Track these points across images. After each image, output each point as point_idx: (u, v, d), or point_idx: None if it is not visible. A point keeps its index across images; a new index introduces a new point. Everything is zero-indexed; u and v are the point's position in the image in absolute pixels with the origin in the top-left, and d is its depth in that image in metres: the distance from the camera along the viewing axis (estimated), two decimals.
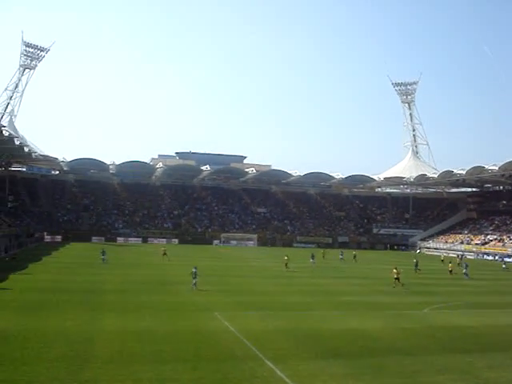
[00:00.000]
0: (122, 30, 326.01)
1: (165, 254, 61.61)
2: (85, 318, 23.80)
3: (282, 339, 21.40)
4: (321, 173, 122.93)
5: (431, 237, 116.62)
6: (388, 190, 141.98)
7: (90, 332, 21.06)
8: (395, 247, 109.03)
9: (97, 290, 33.35)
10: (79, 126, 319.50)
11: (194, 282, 35.17)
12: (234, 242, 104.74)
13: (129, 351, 18.35)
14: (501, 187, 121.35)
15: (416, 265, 55.85)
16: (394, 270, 41.20)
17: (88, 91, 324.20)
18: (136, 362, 16.98)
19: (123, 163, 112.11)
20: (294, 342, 20.94)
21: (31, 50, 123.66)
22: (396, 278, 40.70)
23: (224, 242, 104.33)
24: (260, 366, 17.17)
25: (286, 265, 53.54)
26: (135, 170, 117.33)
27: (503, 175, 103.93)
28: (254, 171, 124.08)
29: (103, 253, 53.98)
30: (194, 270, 35.65)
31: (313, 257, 59.84)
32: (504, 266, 69.14)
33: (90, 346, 18.82)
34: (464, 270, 52.91)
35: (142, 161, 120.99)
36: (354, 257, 64.97)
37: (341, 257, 71.49)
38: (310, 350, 19.66)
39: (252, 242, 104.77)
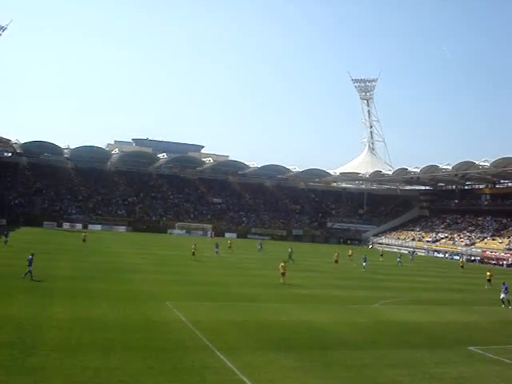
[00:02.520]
0: (80, 10, 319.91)
1: (84, 240, 58.75)
2: (34, 305, 23.33)
3: (233, 330, 21.43)
4: (278, 165, 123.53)
5: (384, 232, 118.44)
6: (343, 185, 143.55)
7: (39, 319, 20.64)
8: (348, 242, 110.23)
9: (47, 276, 32.68)
10: (34, 108, 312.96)
11: (28, 269, 30.56)
12: (188, 232, 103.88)
13: (77, 339, 18.06)
14: (453, 186, 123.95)
15: (290, 255, 56.10)
16: (282, 264, 38.19)
17: (46, 73, 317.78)
18: (84, 350, 16.73)
19: (78, 147, 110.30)
20: (245, 334, 20.99)
21: None
22: (283, 273, 37.57)
23: (178, 231, 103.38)
24: (211, 357, 17.13)
25: (194, 254, 50.90)
26: (90, 155, 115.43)
27: (456, 175, 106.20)
28: (212, 161, 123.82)
29: (6, 235, 53.40)
30: (29, 257, 30.91)
31: (217, 246, 58.62)
32: (411, 257, 78.24)
33: (38, 333, 18.46)
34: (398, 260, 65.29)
35: (98, 146, 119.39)
36: (290, 255, 56.73)
37: (259, 247, 70.63)
38: (261, 342, 19.73)
39: (206, 232, 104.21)
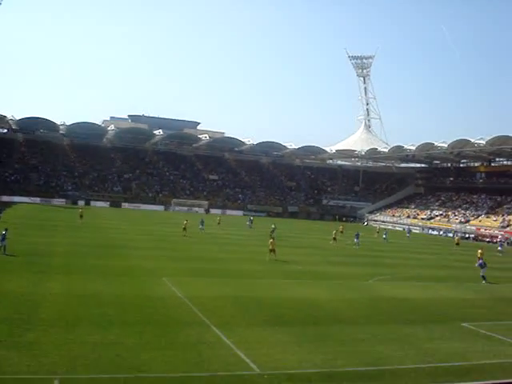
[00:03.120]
0: None
1: (81, 216, 57.76)
2: (30, 280, 23.46)
3: (229, 306, 21.61)
4: (274, 142, 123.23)
5: (379, 210, 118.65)
6: (339, 163, 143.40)
7: (35, 294, 20.76)
8: (344, 219, 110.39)
9: (44, 252, 32.82)
10: (30, 83, 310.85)
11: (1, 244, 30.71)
12: (184, 208, 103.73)
13: (74, 314, 18.21)
14: (449, 164, 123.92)
15: (272, 231, 56.19)
16: (271, 241, 38.05)
17: (41, 48, 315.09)
18: (81, 326, 16.87)
19: (74, 124, 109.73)
20: (240, 309, 21.17)
21: None
22: (271, 250, 37.07)
23: (174, 207, 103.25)
24: (206, 332, 17.31)
25: (185, 229, 50.91)
26: (86, 132, 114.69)
27: (451, 153, 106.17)
28: (208, 138, 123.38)
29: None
30: (3, 233, 31.17)
31: (202, 223, 57.60)
32: (407, 235, 78.09)
33: (34, 309, 18.58)
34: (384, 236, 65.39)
35: (94, 122, 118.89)
36: (272, 231, 56.28)
37: (248, 223, 70.86)
38: (256, 317, 19.91)
39: (203, 209, 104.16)
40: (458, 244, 63.89)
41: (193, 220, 59.13)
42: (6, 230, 32.03)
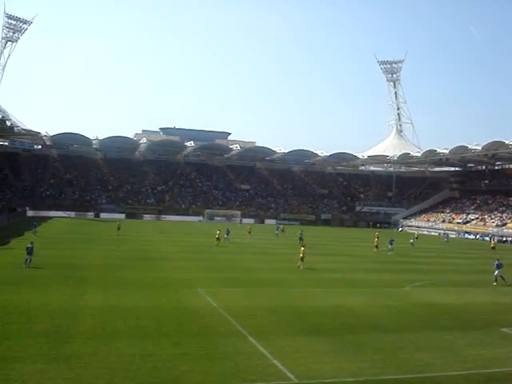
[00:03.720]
0: (107, 2, 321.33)
1: (119, 228, 59.63)
2: (68, 294, 23.76)
3: (265, 316, 21.56)
4: (305, 150, 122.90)
5: (413, 215, 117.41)
6: (372, 169, 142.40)
7: (73, 307, 21.04)
8: (378, 225, 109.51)
9: (80, 265, 33.25)
10: (63, 100, 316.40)
11: (27, 258, 31.42)
12: (217, 219, 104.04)
13: (111, 327, 18.39)
14: (483, 167, 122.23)
15: (300, 238, 56.76)
16: (302, 249, 38.35)
17: (72, 65, 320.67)
18: (119, 338, 17.04)
19: (107, 138, 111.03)
20: (276, 319, 21.11)
21: (13, 22, 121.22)
22: (302, 258, 37.39)
23: (208, 218, 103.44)
24: (243, 342, 17.30)
25: (218, 239, 51.74)
26: (119, 145, 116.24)
27: (486, 155, 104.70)
28: (239, 148, 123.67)
29: (34, 226, 55.01)
30: (29, 246, 31.90)
31: (228, 233, 57.13)
32: (446, 239, 78.12)
33: (72, 322, 18.82)
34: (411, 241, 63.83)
35: (126, 136, 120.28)
36: (300, 238, 56.77)
37: (277, 232, 70.56)
38: (292, 327, 19.84)
39: (236, 219, 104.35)
40: (494, 248, 62.65)
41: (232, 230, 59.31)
42: (32, 243, 32.68)
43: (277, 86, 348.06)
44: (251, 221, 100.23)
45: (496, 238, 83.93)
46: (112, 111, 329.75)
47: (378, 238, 58.68)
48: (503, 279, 33.59)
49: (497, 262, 34.51)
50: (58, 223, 74.50)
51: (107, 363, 14.47)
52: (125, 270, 32.30)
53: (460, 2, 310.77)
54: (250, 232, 67.67)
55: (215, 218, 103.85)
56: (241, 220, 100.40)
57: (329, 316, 22.07)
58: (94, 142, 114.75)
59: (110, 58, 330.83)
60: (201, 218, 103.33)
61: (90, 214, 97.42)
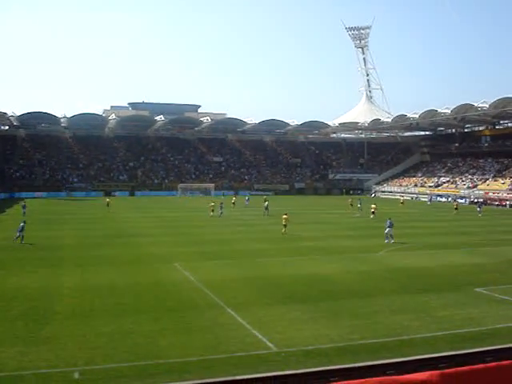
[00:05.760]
0: None
1: (108, 205, 61.69)
2: (44, 275, 23.61)
3: (243, 287, 21.68)
4: (276, 120, 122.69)
5: (386, 181, 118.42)
6: (343, 136, 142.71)
7: (50, 288, 20.91)
8: (351, 192, 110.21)
9: (54, 245, 33.01)
10: (29, 79, 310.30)
11: (18, 235, 33.52)
12: (195, 192, 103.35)
13: (89, 306, 18.34)
14: (453, 130, 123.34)
15: (266, 208, 56.93)
16: (284, 216, 39.78)
17: (35, 42, 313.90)
18: (97, 316, 17.00)
19: (75, 116, 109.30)
20: (253, 289, 21.24)
21: None
22: (285, 225, 39.33)
23: (182, 192, 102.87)
24: (221, 314, 17.40)
25: (213, 211, 54.31)
26: (88, 123, 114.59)
27: (455, 118, 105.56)
28: (209, 120, 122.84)
29: (23, 207, 54.91)
30: (21, 225, 33.93)
31: (221, 207, 56.22)
32: (429, 203, 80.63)
33: (50, 303, 18.72)
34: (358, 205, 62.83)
35: (95, 113, 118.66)
36: (266, 208, 57.08)
37: (246, 203, 72.03)
38: (270, 297, 19.97)
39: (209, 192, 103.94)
40: (456, 209, 63.66)
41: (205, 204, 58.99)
42: (25, 222, 34.86)
43: (245, 55, 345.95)
44: (225, 193, 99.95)
45: (457, 200, 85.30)
46: (79, 88, 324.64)
47: (351, 204, 64.76)
48: (391, 237, 35.46)
49: (389, 221, 36.14)
50: (31, 204, 73.52)
51: (86, 342, 14.45)
52: (101, 248, 32.13)
53: None
54: (233, 203, 68.07)
55: (190, 192, 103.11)
56: (223, 192, 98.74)
57: (305, 284, 22.27)
58: (62, 120, 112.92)
59: (75, 33, 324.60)
60: (176, 192, 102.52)
61: (62, 194, 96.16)
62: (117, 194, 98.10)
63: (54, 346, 14.09)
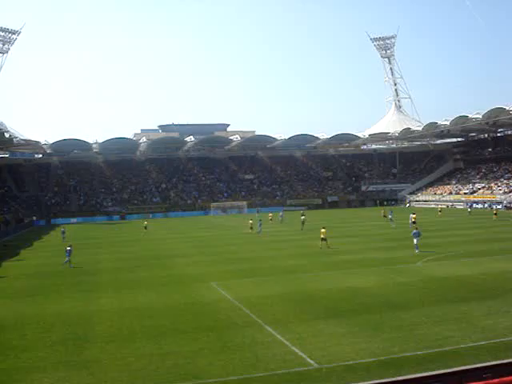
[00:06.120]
0: (98, 3, 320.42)
1: (146, 228, 62.06)
2: (81, 300, 23.81)
3: (280, 303, 21.54)
4: (305, 134, 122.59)
5: (419, 190, 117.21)
6: (374, 147, 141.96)
7: (88, 313, 21.09)
8: (385, 203, 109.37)
9: (91, 270, 33.31)
10: (59, 107, 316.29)
11: (67, 259, 34.97)
12: (222, 211, 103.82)
13: (128, 328, 18.42)
14: (485, 135, 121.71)
15: (303, 223, 57.83)
16: (322, 230, 39.87)
17: (64, 71, 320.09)
18: (136, 339, 17.06)
19: (106, 141, 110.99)
20: (291, 306, 21.08)
21: (2, 33, 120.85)
22: (323, 239, 39.50)
23: (215, 211, 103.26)
24: (260, 332, 17.30)
25: (251, 228, 55.25)
26: (119, 147, 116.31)
27: (487, 123, 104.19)
28: (239, 138, 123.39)
29: (63, 232, 55.94)
30: (68, 249, 35.28)
31: (260, 224, 55.45)
32: (469, 210, 77.94)
33: (89, 327, 18.86)
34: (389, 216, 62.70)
35: (125, 137, 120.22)
36: (303, 223, 57.99)
37: (280, 218, 73.22)
38: (308, 312, 19.81)
39: (243, 210, 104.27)
40: (496, 214, 63.26)
41: (239, 222, 58.92)
42: (71, 245, 36.21)
43: (272, 71, 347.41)
44: (259, 210, 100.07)
45: (493, 205, 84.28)
46: (109, 113, 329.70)
47: (384, 215, 67.62)
48: (416, 248, 35.61)
49: (415, 231, 36.47)
50: (67, 230, 74.55)
51: (127, 365, 14.49)
52: (136, 270, 32.33)
53: None
54: (271, 219, 69.38)
55: (226, 211, 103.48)
56: (258, 209, 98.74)
57: (343, 298, 22.05)
58: (93, 145, 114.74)
59: (104, 60, 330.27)
60: (216, 211, 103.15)
61: (101, 218, 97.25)
62: (150, 216, 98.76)
63: (95, 370, 14.16)
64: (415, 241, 35.87)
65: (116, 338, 17.32)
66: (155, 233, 61.41)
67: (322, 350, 15.11)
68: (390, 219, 61.46)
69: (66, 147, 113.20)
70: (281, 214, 76.09)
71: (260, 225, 55.44)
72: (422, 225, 55.72)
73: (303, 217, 59.04)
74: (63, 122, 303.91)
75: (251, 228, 54.98)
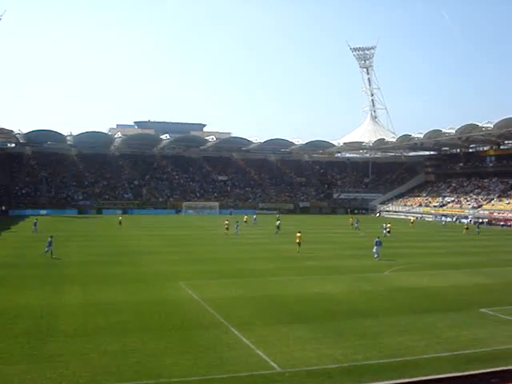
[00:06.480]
0: None
1: (120, 223, 63.74)
2: (47, 292, 23.54)
3: (247, 306, 21.59)
4: (281, 139, 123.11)
5: (390, 200, 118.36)
6: (348, 155, 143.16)
7: (54, 306, 20.86)
8: (356, 211, 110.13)
9: (60, 263, 32.96)
10: (35, 97, 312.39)
11: (46, 249, 35.20)
12: (194, 211, 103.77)
13: (93, 324, 18.28)
14: (457, 150, 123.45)
15: (278, 227, 58.24)
16: (298, 235, 40.47)
17: (43, 60, 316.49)
18: (100, 335, 16.93)
19: (81, 134, 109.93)
20: (258, 309, 21.15)
21: None
22: (298, 243, 40.10)
23: (187, 211, 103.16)
24: (225, 334, 17.31)
25: (227, 229, 54.90)
26: (93, 141, 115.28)
27: (460, 138, 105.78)
28: (214, 139, 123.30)
29: (35, 223, 55.72)
30: (49, 239, 35.57)
31: (237, 226, 56.63)
32: (444, 223, 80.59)
33: (53, 320, 18.67)
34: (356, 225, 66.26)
35: (100, 131, 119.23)
36: (278, 227, 58.22)
37: (254, 221, 73.65)
38: (274, 316, 19.89)
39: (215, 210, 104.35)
40: (467, 229, 64.82)
41: (212, 222, 58.90)
42: (52, 237, 36.02)
43: (250, 75, 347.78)
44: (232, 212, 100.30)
45: (460, 219, 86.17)
46: (86, 107, 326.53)
47: (351, 224, 68.59)
48: (378, 256, 36.68)
49: (377, 240, 37.45)
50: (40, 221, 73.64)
51: (89, 361, 14.38)
52: (105, 265, 32.06)
53: None
54: (246, 221, 69.98)
55: (198, 211, 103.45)
56: (231, 211, 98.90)
57: (310, 303, 22.17)
58: (68, 138, 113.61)
59: (83, 51, 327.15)
60: (188, 210, 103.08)
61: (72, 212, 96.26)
62: (118, 212, 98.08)
63: (57, 364, 14.02)
64: (375, 249, 36.80)
65: (80, 332, 17.17)
66: (126, 229, 61.03)
67: (285, 354, 15.18)
68: (357, 227, 64.03)
69: (39, 138, 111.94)
70: (254, 217, 76.60)
71: (237, 226, 56.10)
72: (393, 235, 56.43)
73: (278, 221, 59.37)
74: (39, 114, 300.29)
75: (227, 229, 54.80)
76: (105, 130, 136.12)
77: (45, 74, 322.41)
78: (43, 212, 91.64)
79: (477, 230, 64.50)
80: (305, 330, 17.94)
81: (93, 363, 14.19)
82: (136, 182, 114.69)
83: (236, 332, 17.46)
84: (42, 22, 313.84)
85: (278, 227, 57.85)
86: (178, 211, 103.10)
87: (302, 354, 15.26)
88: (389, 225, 58.42)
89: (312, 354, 15.33)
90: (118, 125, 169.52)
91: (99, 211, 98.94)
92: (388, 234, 55.70)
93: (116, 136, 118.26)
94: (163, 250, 41.01)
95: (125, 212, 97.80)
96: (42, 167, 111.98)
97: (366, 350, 15.71)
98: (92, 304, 21.32)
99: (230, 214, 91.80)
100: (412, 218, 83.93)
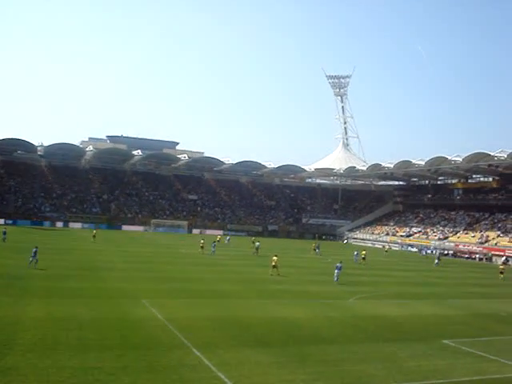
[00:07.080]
0: (55, 10, 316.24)
1: (94, 236, 64.06)
2: (8, 304, 23.07)
3: (210, 327, 21.45)
4: (253, 162, 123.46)
5: (358, 227, 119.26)
6: (318, 181, 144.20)
7: (13, 318, 20.43)
8: (323, 237, 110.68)
9: (22, 274, 32.38)
10: (7, 105, 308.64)
11: (31, 260, 35.45)
12: (163, 229, 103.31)
13: (52, 338, 17.95)
14: (426, 182, 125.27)
15: (257, 248, 59.23)
16: (274, 258, 40.75)
17: (16, 70, 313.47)
18: (60, 350, 16.63)
19: (52, 145, 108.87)
20: (221, 330, 21.03)
21: None
22: (274, 266, 40.36)
23: (154, 228, 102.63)
24: (187, 355, 17.16)
25: (202, 247, 55.49)
26: (64, 153, 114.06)
27: (429, 170, 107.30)
28: (187, 157, 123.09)
29: (4, 233, 55.46)
30: (34, 250, 35.68)
31: (214, 246, 57.17)
32: (420, 254, 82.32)
33: (12, 333, 18.29)
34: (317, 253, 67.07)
35: (72, 143, 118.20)
36: (256, 249, 59.46)
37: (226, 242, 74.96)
38: (237, 338, 19.80)
39: (184, 229, 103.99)
40: (439, 259, 65.76)
41: (179, 241, 58.60)
42: (37, 247, 36.05)
43: (226, 97, 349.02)
44: (197, 231, 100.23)
45: (438, 250, 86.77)
46: (58, 118, 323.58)
47: (314, 248, 69.55)
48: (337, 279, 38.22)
49: (338, 265, 38.92)
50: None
51: (47, 376, 14.11)
52: (69, 280, 31.59)
53: (404, 18, 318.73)
54: (218, 241, 68.96)
55: (166, 229, 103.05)
56: (201, 231, 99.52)
57: (273, 328, 22.12)
58: (38, 148, 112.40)
59: (57, 64, 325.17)
60: (156, 228, 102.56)
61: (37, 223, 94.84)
62: (86, 226, 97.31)
63: (15, 378, 13.73)
64: (336, 272, 38.12)
65: (39, 347, 16.85)
66: (91, 244, 60.32)
67: (246, 378, 15.11)
68: (317, 253, 66.36)
69: (9, 146, 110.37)
70: (228, 237, 77.10)
71: (214, 246, 56.51)
72: (372, 263, 56.79)
73: (258, 243, 60.07)
74: (10, 123, 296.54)
75: (202, 247, 55.17)
76: (76, 143, 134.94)
77: (18, 83, 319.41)
78: (9, 222, 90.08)
79: (436, 261, 65.17)
80: (267, 354, 17.88)
81: (50, 378, 13.93)
82: (105, 197, 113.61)
83: (198, 353, 17.31)
84: (15, 33, 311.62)
85: (257, 249, 58.55)
86: (146, 228, 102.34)
87: (263, 379, 15.20)
88: (364, 252, 58.95)
89: (273, 378, 15.28)
90: (90, 138, 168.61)
91: (65, 224, 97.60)
92: (363, 261, 56.30)
93: (87, 149, 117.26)
94: (127, 267, 40.56)
95: (97, 227, 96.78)
96: (10, 176, 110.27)
97: (328, 377, 15.72)
98: (52, 318, 20.93)
99: (200, 233, 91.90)
100: (387, 247, 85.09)
